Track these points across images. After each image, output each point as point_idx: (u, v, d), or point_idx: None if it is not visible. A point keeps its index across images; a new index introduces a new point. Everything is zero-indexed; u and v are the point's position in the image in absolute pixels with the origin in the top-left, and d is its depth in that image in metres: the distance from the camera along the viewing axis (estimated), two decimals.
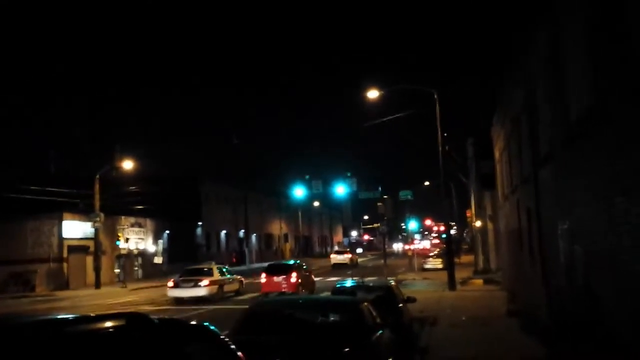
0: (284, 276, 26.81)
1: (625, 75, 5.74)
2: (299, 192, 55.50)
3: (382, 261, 48.09)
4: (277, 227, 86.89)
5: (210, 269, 27.69)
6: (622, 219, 6.17)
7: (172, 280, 27.60)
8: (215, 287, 26.48)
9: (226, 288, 27.64)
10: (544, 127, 11.08)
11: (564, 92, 8.80)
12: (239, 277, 30.03)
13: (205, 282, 26.07)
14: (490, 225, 36.55)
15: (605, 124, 6.63)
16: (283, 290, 25.89)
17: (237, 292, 28.47)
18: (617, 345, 6.82)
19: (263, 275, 27.78)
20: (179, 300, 25.70)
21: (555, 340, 10.93)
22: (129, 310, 8.51)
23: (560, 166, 9.75)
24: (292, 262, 30.98)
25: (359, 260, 59.71)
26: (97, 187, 39.47)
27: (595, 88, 6.84)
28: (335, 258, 55.47)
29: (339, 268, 50.38)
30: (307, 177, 55.41)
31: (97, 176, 39.56)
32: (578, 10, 7.53)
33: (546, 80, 10.35)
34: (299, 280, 26.88)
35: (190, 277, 26.71)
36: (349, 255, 55.78)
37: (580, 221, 8.35)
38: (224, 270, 29.11)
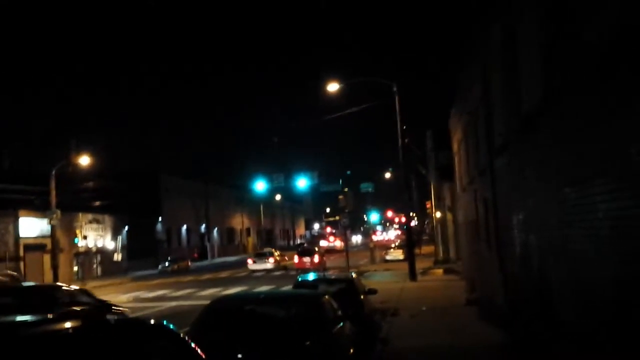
0: (310, 257, 39.10)
1: (574, 70, 5.91)
2: (260, 185, 55.28)
3: (344, 253, 48.37)
4: (239, 221, 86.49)
5: (272, 252, 44.20)
6: (572, 209, 6.38)
7: (251, 259, 43.11)
8: (277, 263, 41.56)
9: (282, 263, 42.64)
10: (499, 119, 11.31)
11: (518, 84, 9.01)
12: (285, 257, 44.75)
13: (271, 259, 41.52)
14: (449, 216, 37.15)
15: (554, 117, 6.82)
16: (309, 267, 36.50)
17: (285, 267, 41.17)
18: (564, 323, 7.16)
19: (296, 257, 40.78)
20: (255, 271, 39.23)
21: (510, 324, 11.24)
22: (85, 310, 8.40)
23: (514, 158, 9.99)
24: (315, 248, 45.02)
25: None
26: (53, 183, 38.54)
27: (546, 81, 7.03)
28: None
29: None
30: (276, 176, 54.94)
31: (53, 172, 38.63)
32: (531, 6, 7.71)
33: (501, 73, 10.57)
34: (321, 260, 38.70)
35: (261, 258, 42.32)
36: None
37: (534, 211, 8.58)
38: (277, 252, 44.87)
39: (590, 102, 5.54)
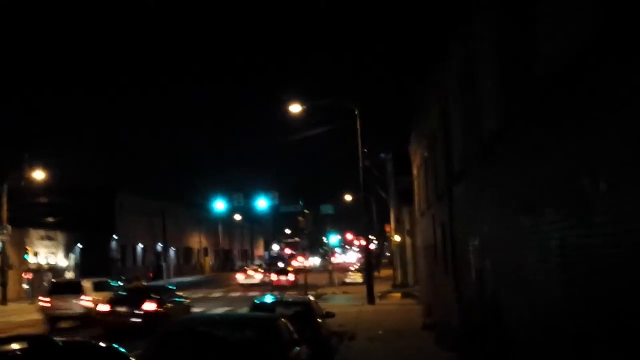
0: (286, 276, 44.49)
1: (531, 100, 6.08)
2: (219, 205, 54.75)
3: (303, 275, 48.17)
4: (197, 241, 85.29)
5: (291, 270, 48.08)
6: (526, 236, 6.51)
7: (273, 273, 47.53)
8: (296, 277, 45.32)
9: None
10: (458, 145, 11.52)
11: (475, 113, 9.21)
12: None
13: (292, 275, 45.05)
14: (408, 240, 37.45)
15: (510, 146, 6.99)
16: (285, 284, 41.86)
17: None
18: (516, 346, 7.28)
19: (273, 275, 46.10)
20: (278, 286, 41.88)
21: (465, 348, 11.34)
22: (33, 332, 8.15)
23: (471, 184, 10.17)
24: (290, 268, 50.72)
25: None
26: (4, 197, 37.39)
27: (505, 110, 7.20)
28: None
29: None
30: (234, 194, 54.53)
31: (4, 186, 37.50)
32: (489, 35, 7.92)
33: (459, 102, 10.79)
34: (296, 278, 43.26)
35: (282, 274, 46.00)
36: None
37: (489, 237, 8.72)
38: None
39: (543, 133, 5.71)
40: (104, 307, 19.88)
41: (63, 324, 22.65)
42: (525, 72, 6.12)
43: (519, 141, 6.66)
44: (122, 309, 19.34)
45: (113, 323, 18.96)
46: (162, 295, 21.06)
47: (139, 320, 18.72)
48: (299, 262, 72.81)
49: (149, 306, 19.28)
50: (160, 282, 60.72)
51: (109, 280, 26.92)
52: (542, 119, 5.74)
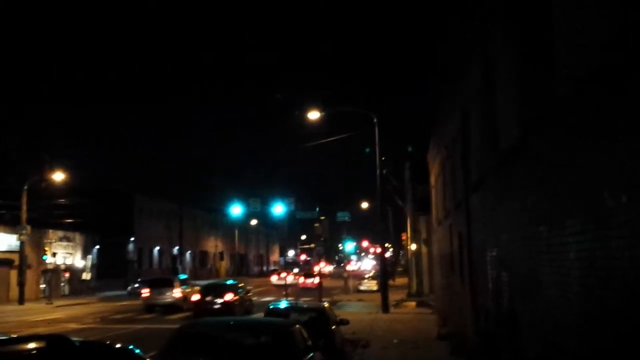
0: (312, 279, 46.59)
1: (548, 113, 6.04)
2: (236, 209, 54.94)
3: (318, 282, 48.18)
4: (213, 245, 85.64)
5: (315, 274, 47.29)
6: (543, 248, 6.45)
7: (301, 275, 53.07)
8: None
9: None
10: (476, 155, 11.46)
11: (494, 122, 9.16)
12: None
13: (317, 279, 41.79)
14: (424, 249, 37.27)
15: (529, 155, 6.93)
16: (310, 287, 45.00)
17: None
18: (531, 359, 7.20)
19: (301, 278, 51.94)
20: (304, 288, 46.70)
21: (480, 358, 11.24)
22: (51, 332, 8.22)
23: (489, 194, 10.10)
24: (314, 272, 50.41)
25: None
26: (24, 198, 37.90)
27: (522, 121, 7.16)
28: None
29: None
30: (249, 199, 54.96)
31: (26, 187, 38.00)
32: (508, 48, 7.89)
33: (478, 110, 10.74)
34: (321, 281, 41.23)
35: (308, 277, 49.41)
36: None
37: (506, 248, 8.65)
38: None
39: (564, 143, 5.66)
40: (196, 297, 27.40)
41: (157, 310, 29.79)
42: (544, 80, 6.08)
43: (536, 151, 6.62)
44: (208, 298, 26.33)
45: (202, 308, 25.31)
46: (233, 288, 28.35)
47: (220, 306, 25.49)
48: (320, 267, 75.23)
49: (228, 296, 26.45)
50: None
51: (187, 279, 35.63)
52: (561, 128, 5.69)
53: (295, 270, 73.14)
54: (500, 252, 9.22)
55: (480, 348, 11.57)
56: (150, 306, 30.18)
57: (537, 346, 6.94)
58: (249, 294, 30.48)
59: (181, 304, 29.99)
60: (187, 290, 31.39)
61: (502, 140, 8.59)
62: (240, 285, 30.18)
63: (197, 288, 30.31)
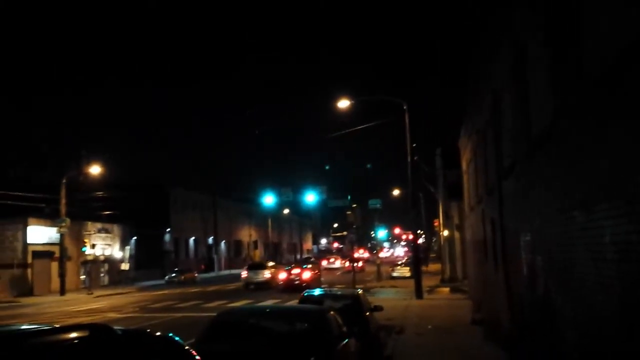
0: (356, 263, 47.97)
1: (579, 96, 5.96)
2: (268, 199, 55.33)
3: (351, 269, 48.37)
4: (247, 234, 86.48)
5: (359, 259, 56.23)
6: (578, 232, 6.39)
7: (347, 260, 56.96)
8: (363, 265, 57.59)
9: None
10: (508, 140, 11.34)
11: (526, 106, 9.05)
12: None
13: (360, 263, 53.64)
14: (457, 235, 37.03)
15: (562, 138, 6.85)
16: (357, 270, 45.08)
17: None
18: (568, 346, 7.14)
19: (347, 262, 58.36)
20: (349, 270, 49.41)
21: (515, 345, 11.19)
22: (92, 321, 8.44)
23: (522, 178, 10.01)
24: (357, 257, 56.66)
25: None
26: (63, 191, 38.82)
27: (554, 105, 7.07)
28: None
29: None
30: (280, 189, 55.47)
31: (64, 181, 38.90)
32: (537, 31, 7.78)
33: (510, 94, 10.62)
34: (364, 265, 55.14)
35: (352, 262, 50.65)
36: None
37: (540, 233, 8.57)
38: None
39: (597, 125, 5.58)
40: (283, 275, 36.66)
41: (252, 287, 37.93)
42: (576, 62, 5.99)
43: (569, 135, 6.54)
44: (292, 276, 35.45)
45: (288, 285, 34.23)
46: (309, 267, 38.48)
47: (300, 282, 33.67)
48: (360, 254, 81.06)
49: (306, 274, 35.69)
50: (212, 274, 61.66)
51: (275, 265, 44.79)
52: (594, 111, 5.62)
53: (332, 258, 74.16)
54: (534, 237, 9.14)
55: (515, 334, 11.52)
56: (248, 284, 38.67)
57: (574, 332, 6.90)
58: (318, 272, 40.42)
59: (271, 282, 38.19)
60: (274, 271, 40.12)
61: (535, 125, 8.50)
62: (315, 265, 42.46)
63: (283, 269, 39.57)
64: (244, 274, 40.15)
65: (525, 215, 9.73)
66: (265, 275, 39.12)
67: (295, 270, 36.58)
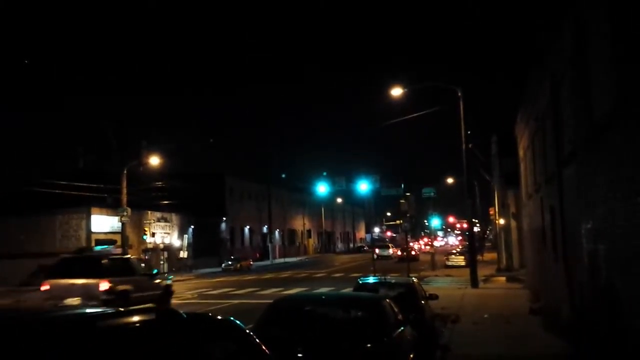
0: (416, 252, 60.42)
1: None
2: (321, 188, 55.49)
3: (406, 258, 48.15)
4: (300, 223, 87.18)
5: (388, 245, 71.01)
6: None
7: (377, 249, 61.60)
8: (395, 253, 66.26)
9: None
10: (568, 126, 11.04)
11: (587, 92, 8.79)
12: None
13: (390, 250, 66.80)
14: (513, 224, 36.28)
15: (627, 124, 6.64)
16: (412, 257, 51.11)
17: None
18: (632, 335, 6.93)
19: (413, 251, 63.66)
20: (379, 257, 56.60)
21: (576, 335, 10.94)
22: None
23: (583, 166, 9.74)
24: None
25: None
26: (124, 182, 40.02)
27: (617, 90, 6.85)
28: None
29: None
30: (324, 173, 56.28)
31: (124, 171, 40.13)
32: (601, 12, 7.53)
33: (570, 80, 10.32)
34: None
35: (384, 249, 66.37)
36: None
37: (603, 221, 8.34)
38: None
39: None
40: (398, 253, 55.39)
41: (378, 258, 49.71)
42: None
43: (635, 120, 6.32)
44: (404, 253, 46.75)
45: (402, 258, 46.32)
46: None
47: (407, 256, 40.92)
48: (425, 242, 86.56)
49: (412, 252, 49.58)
50: (266, 262, 62.70)
51: (393, 244, 68.89)
52: None
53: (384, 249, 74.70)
54: (596, 226, 8.90)
55: (576, 324, 11.26)
56: (378, 257, 47.45)
57: (638, 322, 6.70)
58: (417, 252, 56.58)
59: (392, 256, 58.91)
60: (393, 250, 60.13)
61: (596, 110, 8.25)
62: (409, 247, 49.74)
63: (398, 249, 56.49)
64: (376, 251, 51.95)
65: (587, 203, 9.48)
66: (389, 252, 62.71)
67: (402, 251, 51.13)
